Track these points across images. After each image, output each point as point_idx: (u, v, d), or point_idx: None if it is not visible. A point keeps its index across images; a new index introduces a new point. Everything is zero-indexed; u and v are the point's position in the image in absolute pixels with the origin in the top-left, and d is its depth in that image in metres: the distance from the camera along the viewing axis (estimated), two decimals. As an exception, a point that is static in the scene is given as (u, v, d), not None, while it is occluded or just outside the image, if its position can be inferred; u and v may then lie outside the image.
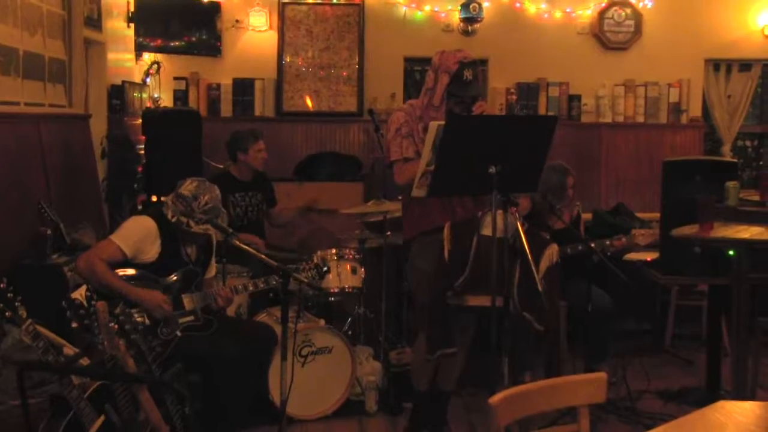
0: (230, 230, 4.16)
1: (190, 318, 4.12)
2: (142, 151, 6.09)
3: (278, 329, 4.05)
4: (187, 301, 4.12)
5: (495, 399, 2.16)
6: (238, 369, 4.09)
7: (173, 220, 4.07)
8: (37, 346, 3.03)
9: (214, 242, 4.41)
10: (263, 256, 4.02)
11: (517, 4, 7.30)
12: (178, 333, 4.05)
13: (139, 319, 3.94)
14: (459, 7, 7.15)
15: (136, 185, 6.20)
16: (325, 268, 4.79)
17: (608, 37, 7.36)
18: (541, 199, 5.11)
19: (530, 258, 3.76)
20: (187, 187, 4.14)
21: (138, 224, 4.14)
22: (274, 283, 4.31)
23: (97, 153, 6.04)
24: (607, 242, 5.13)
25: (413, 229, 4.23)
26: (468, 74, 4.02)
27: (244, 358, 4.13)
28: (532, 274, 3.77)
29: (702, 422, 2.26)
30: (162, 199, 4.29)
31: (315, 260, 5.13)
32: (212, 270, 4.46)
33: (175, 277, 4.11)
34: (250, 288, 4.44)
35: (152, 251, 4.07)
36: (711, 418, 2.28)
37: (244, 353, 4.14)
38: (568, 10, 7.35)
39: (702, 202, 4.18)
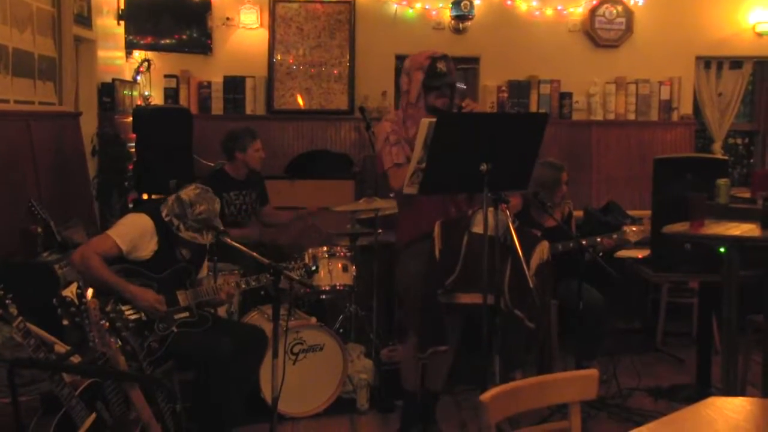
0: (221, 228, 4.16)
1: (186, 314, 4.12)
2: (133, 149, 6.08)
3: (269, 327, 4.05)
4: (182, 297, 4.12)
5: (486, 396, 2.16)
6: (231, 366, 4.08)
7: (166, 219, 4.07)
8: (27, 343, 3.03)
9: (207, 247, 4.41)
10: (255, 254, 4.01)
11: (509, 2, 7.31)
12: (174, 329, 4.05)
13: (134, 316, 3.95)
14: (450, 5, 7.15)
15: (126, 183, 6.19)
16: (314, 267, 4.79)
17: (599, 35, 7.37)
18: (532, 197, 5.11)
19: (521, 255, 3.77)
20: (188, 192, 4.14)
21: (135, 221, 4.14)
22: (266, 281, 4.31)
23: (87, 151, 6.02)
24: (598, 239, 5.14)
25: (407, 234, 4.23)
26: (441, 66, 4.04)
27: (237, 355, 4.12)
28: (523, 271, 3.78)
29: (692, 418, 2.26)
30: (153, 196, 4.28)
31: (306, 259, 5.13)
32: (204, 271, 4.46)
33: (169, 273, 4.11)
34: (243, 286, 4.43)
35: (148, 248, 4.07)
36: (701, 414, 2.29)
37: (238, 352, 4.13)
38: (559, 7, 7.36)
39: (693, 199, 4.18)
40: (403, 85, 4.16)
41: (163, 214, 4.08)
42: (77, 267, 3.99)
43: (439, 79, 4.04)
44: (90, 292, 3.94)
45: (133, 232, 4.07)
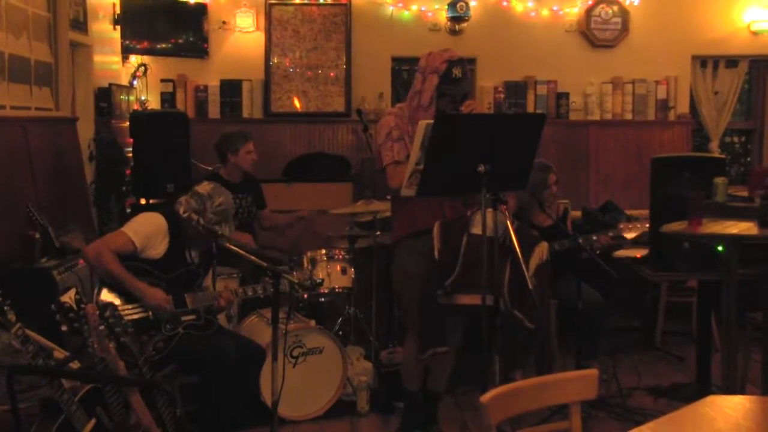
0: (220, 232, 4.17)
1: (192, 317, 4.14)
2: (130, 154, 6.08)
3: (269, 330, 4.05)
4: (190, 299, 4.13)
5: (486, 397, 2.16)
6: (234, 370, 4.09)
7: (185, 215, 4.11)
8: (26, 350, 3.02)
9: (215, 250, 4.42)
10: (253, 257, 4.02)
11: (504, 3, 7.31)
12: (181, 330, 4.06)
13: (141, 315, 3.98)
14: (446, 7, 7.15)
15: (124, 188, 6.18)
16: (320, 280, 4.82)
17: (595, 35, 7.37)
18: (529, 197, 5.11)
19: (520, 256, 3.76)
20: (204, 186, 4.23)
21: (150, 219, 4.21)
22: (270, 291, 4.32)
23: (84, 156, 6.02)
24: (594, 237, 5.14)
25: (401, 231, 4.23)
26: (457, 72, 4.02)
27: (238, 362, 4.13)
28: (523, 272, 3.77)
29: (692, 417, 2.27)
30: (151, 201, 4.29)
31: (305, 262, 5.14)
32: (208, 279, 4.48)
33: (178, 275, 4.13)
34: (249, 293, 4.45)
35: (160, 248, 4.12)
36: (701, 412, 2.29)
37: (239, 359, 4.14)
38: (555, 8, 7.36)
39: (691, 198, 4.19)
40: (416, 84, 4.13)
41: (181, 212, 4.14)
42: (90, 261, 4.07)
43: (454, 86, 4.02)
44: (104, 292, 3.98)
45: (147, 230, 4.13)
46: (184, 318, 4.10)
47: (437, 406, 4.46)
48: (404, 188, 3.86)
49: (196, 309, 4.15)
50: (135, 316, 3.98)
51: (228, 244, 4.09)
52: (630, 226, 5.19)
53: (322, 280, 4.97)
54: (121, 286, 3.99)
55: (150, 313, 4.02)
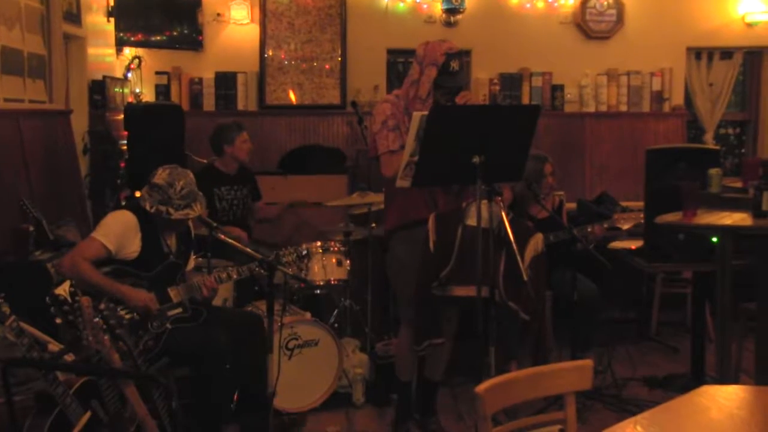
0: (214, 224, 4.15)
1: (179, 310, 4.10)
2: (125, 147, 6.06)
3: (264, 323, 4.04)
4: (174, 293, 4.10)
5: (481, 388, 2.16)
6: (228, 359, 4.07)
7: (152, 210, 4.04)
8: (21, 343, 3.02)
9: (192, 231, 4.38)
10: (248, 250, 4.01)
11: (499, -5, 7.30)
12: (168, 326, 4.03)
13: (127, 316, 3.93)
14: (441, -2, 7.15)
15: (119, 181, 6.16)
16: (305, 252, 4.79)
17: (590, 27, 7.37)
18: (524, 189, 5.12)
19: (515, 247, 3.77)
20: (161, 175, 4.11)
21: (118, 218, 4.10)
22: (257, 270, 4.28)
23: (78, 149, 6.00)
24: (589, 229, 5.14)
25: (394, 221, 4.23)
26: (455, 65, 4.03)
27: (234, 347, 4.11)
28: (518, 263, 3.78)
29: (686, 406, 2.27)
30: (136, 193, 4.25)
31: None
32: (191, 263, 4.44)
33: (159, 271, 4.09)
34: (234, 276, 4.38)
35: (134, 245, 4.03)
36: (695, 402, 2.30)
37: (234, 342, 4.12)
38: (550, 0, 7.36)
39: (685, 189, 4.19)
40: (413, 74, 4.12)
41: (148, 207, 4.05)
42: (67, 274, 3.92)
43: (451, 79, 4.03)
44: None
45: (118, 230, 4.03)
46: (170, 313, 4.07)
47: (435, 396, 4.47)
48: (399, 179, 3.85)
49: (182, 302, 4.12)
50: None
51: (222, 236, 4.07)
52: (624, 216, 5.20)
53: (308, 252, 4.96)
54: (103, 294, 3.89)
55: (135, 314, 3.97)
